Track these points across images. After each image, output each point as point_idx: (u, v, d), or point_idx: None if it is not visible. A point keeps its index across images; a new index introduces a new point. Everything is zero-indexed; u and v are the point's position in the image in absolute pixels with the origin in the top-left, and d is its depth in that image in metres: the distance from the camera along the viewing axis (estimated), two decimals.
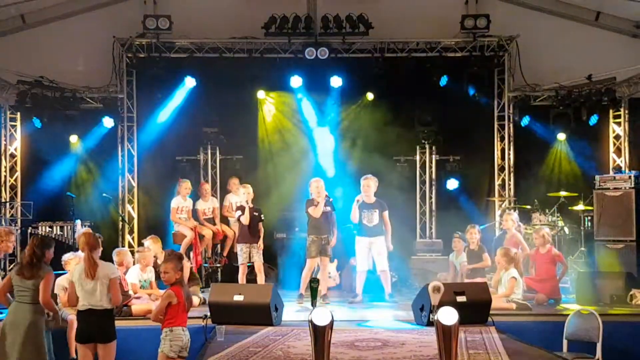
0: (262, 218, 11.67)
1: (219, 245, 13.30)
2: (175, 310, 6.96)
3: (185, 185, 12.60)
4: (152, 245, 10.94)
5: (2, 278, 9.05)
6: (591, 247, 12.23)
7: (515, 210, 13.18)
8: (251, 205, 11.53)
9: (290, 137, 14.58)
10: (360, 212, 11.26)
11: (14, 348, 7.15)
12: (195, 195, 12.99)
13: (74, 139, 13.93)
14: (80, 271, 7.10)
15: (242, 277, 11.50)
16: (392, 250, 11.42)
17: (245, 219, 11.41)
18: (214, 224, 12.94)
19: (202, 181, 13.90)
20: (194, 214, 12.77)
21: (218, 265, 13.06)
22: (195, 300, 9.92)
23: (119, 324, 7.67)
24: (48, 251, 7.47)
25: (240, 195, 11.84)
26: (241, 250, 11.50)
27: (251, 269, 11.68)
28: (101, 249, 7.51)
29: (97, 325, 7.02)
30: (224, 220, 13.33)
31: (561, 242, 12.46)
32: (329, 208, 11.38)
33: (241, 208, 11.55)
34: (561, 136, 14.02)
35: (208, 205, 12.97)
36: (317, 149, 14.27)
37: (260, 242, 11.58)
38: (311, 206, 11.26)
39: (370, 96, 14.26)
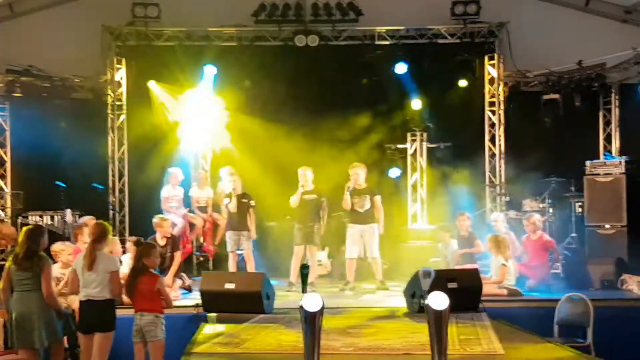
0: (253, 204, 11.60)
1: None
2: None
3: (175, 174, 12.54)
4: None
5: None
6: (582, 233, 12.25)
7: (505, 197, 13.23)
8: (240, 192, 11.51)
9: (282, 125, 14.51)
10: (352, 199, 11.30)
11: (33, 334, 7.10)
12: (187, 184, 12.96)
13: (63, 127, 13.85)
14: (82, 261, 7.12)
15: (232, 264, 11.49)
16: (382, 233, 11.43)
17: (233, 207, 11.40)
18: (206, 213, 12.89)
19: (200, 170, 13.87)
20: (188, 200, 12.74)
21: (206, 253, 13.02)
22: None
23: None
24: (42, 240, 7.41)
25: (229, 182, 11.82)
26: (230, 237, 11.49)
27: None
28: (109, 237, 7.45)
29: (97, 315, 7.03)
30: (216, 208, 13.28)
31: (552, 228, 12.47)
32: (314, 196, 11.40)
33: (229, 195, 11.54)
34: (551, 122, 14.01)
35: (203, 194, 12.88)
36: (309, 137, 14.20)
37: (253, 229, 11.56)
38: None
39: (363, 82, 14.21)
